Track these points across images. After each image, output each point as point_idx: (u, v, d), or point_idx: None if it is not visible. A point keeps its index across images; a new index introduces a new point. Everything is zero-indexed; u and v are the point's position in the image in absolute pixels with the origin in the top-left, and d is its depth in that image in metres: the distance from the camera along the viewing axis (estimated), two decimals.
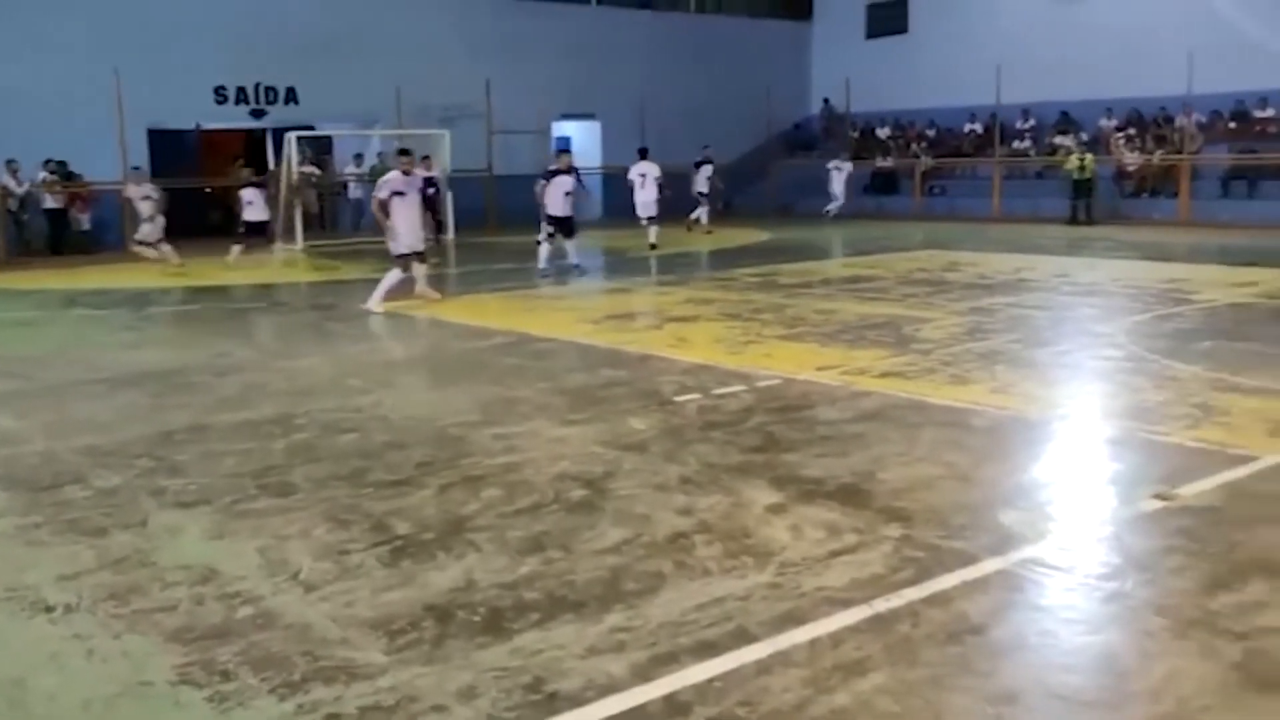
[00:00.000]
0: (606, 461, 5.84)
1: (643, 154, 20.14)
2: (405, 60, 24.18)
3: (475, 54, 25.37)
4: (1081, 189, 23.33)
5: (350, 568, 4.43)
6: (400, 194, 12.14)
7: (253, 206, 17.35)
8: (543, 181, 15.30)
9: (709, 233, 21.96)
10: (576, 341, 9.84)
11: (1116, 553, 4.53)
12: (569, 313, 12.20)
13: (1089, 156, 23.62)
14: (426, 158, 21.04)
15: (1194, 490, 5.17)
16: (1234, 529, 4.66)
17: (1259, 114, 23.91)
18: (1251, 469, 5.51)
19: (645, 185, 19.43)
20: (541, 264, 15.29)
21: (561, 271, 15.19)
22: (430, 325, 11.11)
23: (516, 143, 25.43)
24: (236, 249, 17.26)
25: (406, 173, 12.49)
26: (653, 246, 18.61)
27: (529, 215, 16.48)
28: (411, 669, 3.54)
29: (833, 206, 25.46)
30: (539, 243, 15.60)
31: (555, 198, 15.15)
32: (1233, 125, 24.17)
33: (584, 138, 29.26)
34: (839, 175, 25.68)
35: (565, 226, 15.35)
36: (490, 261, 17.37)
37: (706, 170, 22.93)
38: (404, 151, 13.17)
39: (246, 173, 18.56)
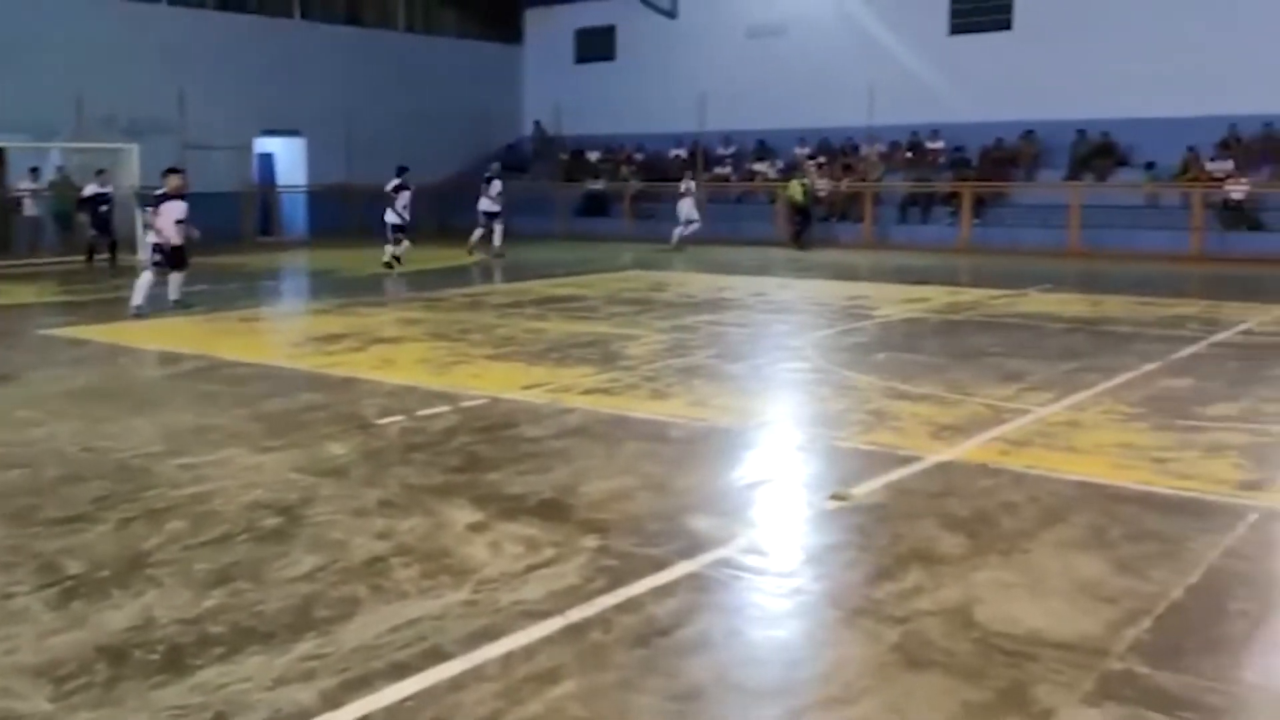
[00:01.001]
0: (302, 488, 5.68)
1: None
2: (88, 68, 22.61)
3: (167, 64, 24.11)
4: (804, 214, 24.08)
5: (13, 612, 4.10)
6: None
7: None
8: (150, 209, 13.55)
9: (501, 255, 20.94)
10: (276, 365, 9.51)
11: (796, 551, 4.84)
12: (268, 336, 11.78)
13: (808, 182, 24.48)
14: (102, 171, 19.80)
15: (866, 490, 5.58)
16: (898, 523, 5.07)
17: (931, 145, 26.07)
18: (915, 468, 6.00)
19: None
20: (137, 300, 12.86)
21: (175, 303, 13.25)
22: (114, 351, 10.42)
23: (214, 159, 24.32)
24: None
25: None
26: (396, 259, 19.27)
27: (226, 234, 15.85)
28: (79, 715, 3.32)
29: (683, 231, 23.35)
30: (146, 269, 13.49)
31: (167, 225, 13.16)
32: (909, 155, 26.24)
33: (288, 154, 28.37)
34: (689, 196, 23.73)
35: (177, 257, 13.32)
36: (183, 283, 16.46)
37: (496, 186, 21.57)
38: None
39: None
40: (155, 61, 24.14)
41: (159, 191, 13.35)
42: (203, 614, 4.07)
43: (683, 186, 24.13)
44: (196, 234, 13.36)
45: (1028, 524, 5.06)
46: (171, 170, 13.56)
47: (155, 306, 12.80)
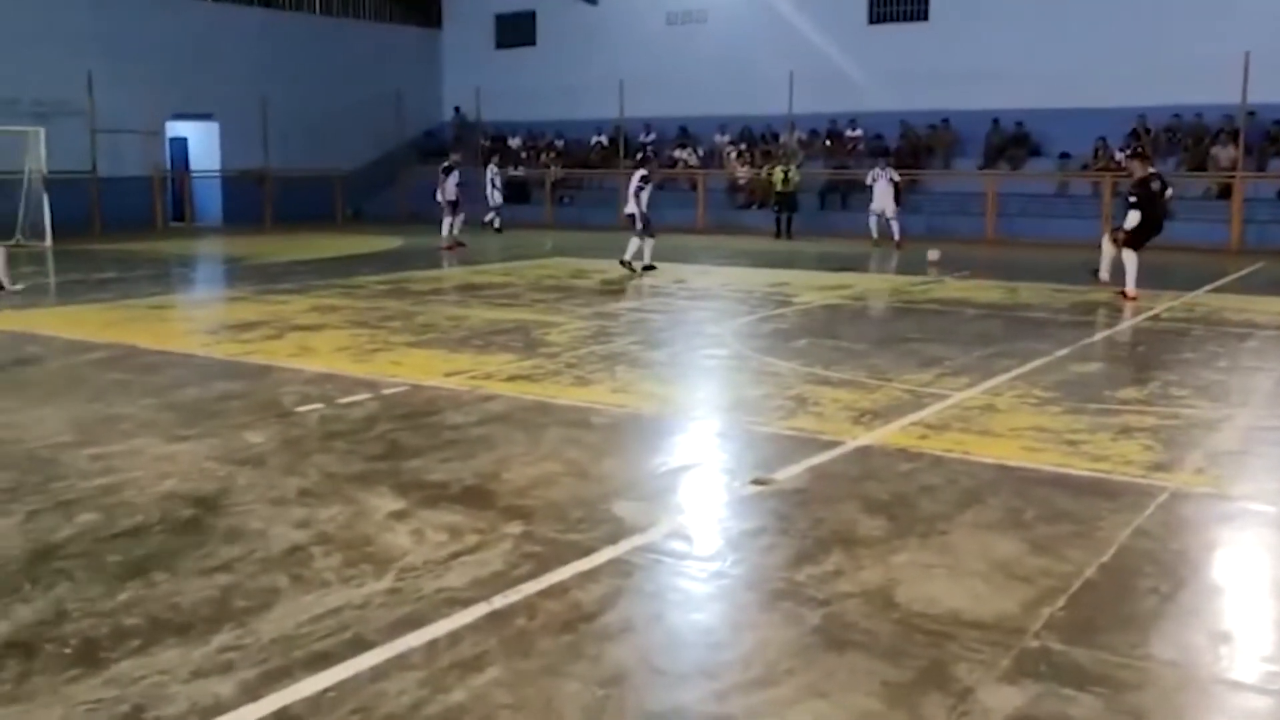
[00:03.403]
0: (219, 478, 5.57)
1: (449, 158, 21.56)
2: None
3: (74, 46, 23.45)
4: (785, 202, 23.23)
5: None
6: None
7: None
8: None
9: (458, 246, 20.07)
10: (190, 354, 9.30)
11: (718, 535, 4.87)
12: (183, 323, 11.53)
13: (793, 168, 23.51)
14: None
15: (787, 474, 5.63)
16: (819, 507, 5.13)
17: (849, 134, 26.37)
18: (836, 453, 6.07)
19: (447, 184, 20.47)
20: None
21: None
22: (20, 340, 10.11)
23: (125, 143, 23.74)
24: None
25: None
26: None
27: (138, 220, 15.55)
28: None
29: (882, 225, 21.04)
30: None
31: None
32: (828, 143, 26.51)
33: (201, 139, 27.78)
34: (885, 185, 21.02)
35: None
36: (93, 270, 16.05)
37: (456, 177, 20.55)
38: None
39: None
40: (60, 43, 23.49)
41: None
42: (117, 607, 3.97)
43: (870, 178, 21.52)
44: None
45: (946, 506, 5.15)
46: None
47: None
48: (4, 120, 20.96)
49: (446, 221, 20.39)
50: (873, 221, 21.29)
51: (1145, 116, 22.73)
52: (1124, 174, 21.93)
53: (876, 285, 14.64)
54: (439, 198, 20.43)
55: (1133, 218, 12.56)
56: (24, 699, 3.30)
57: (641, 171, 16.35)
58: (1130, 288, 12.48)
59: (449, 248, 19.86)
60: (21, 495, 5.27)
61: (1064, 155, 23.34)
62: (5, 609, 3.95)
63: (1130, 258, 12.58)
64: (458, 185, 20.44)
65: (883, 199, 21.03)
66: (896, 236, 20.73)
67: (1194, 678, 3.55)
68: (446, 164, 21.01)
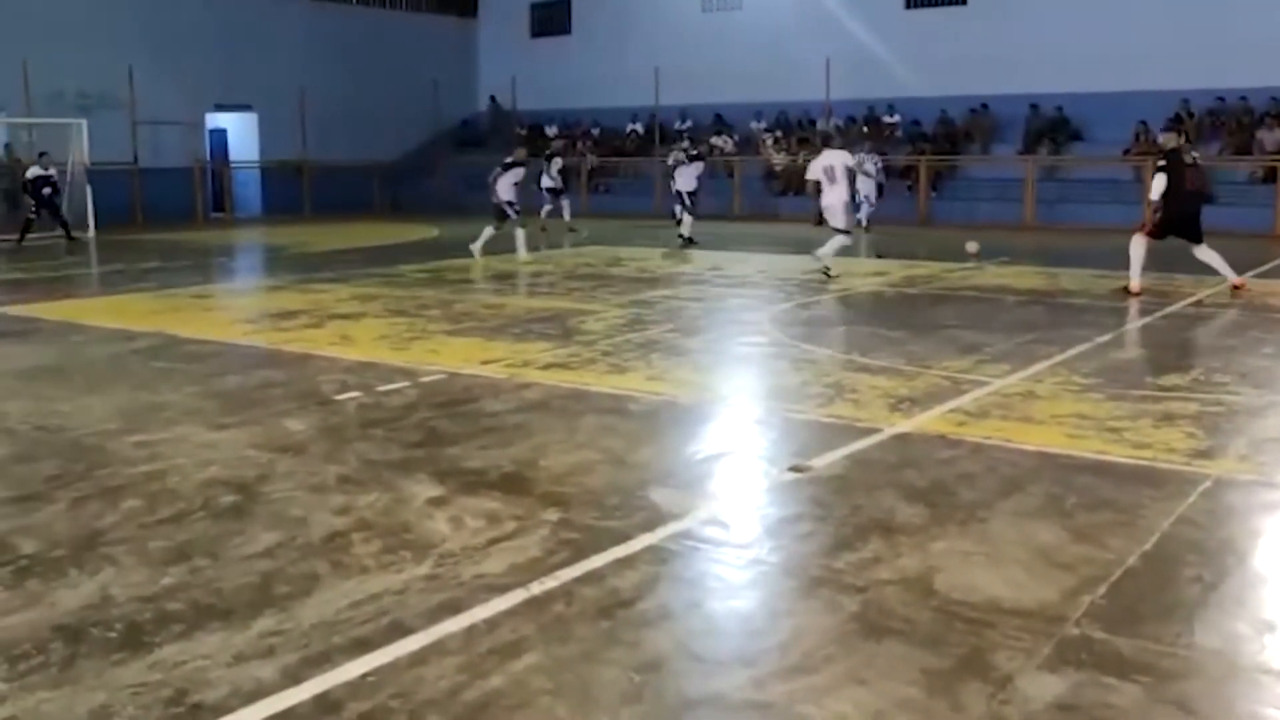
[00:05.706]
0: (260, 465, 5.62)
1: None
2: (33, 41, 22.22)
3: (115, 38, 23.72)
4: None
5: None
6: None
7: None
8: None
9: (574, 230, 20.85)
10: (231, 342, 9.40)
11: (755, 522, 4.86)
12: (223, 312, 11.64)
13: None
14: (44, 154, 19.44)
15: (824, 461, 5.61)
16: (857, 494, 5.11)
17: (887, 120, 26.18)
18: (874, 440, 6.04)
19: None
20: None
21: None
22: (65, 329, 10.25)
23: (165, 134, 23.99)
24: None
25: None
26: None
27: (178, 211, 15.72)
28: (35, 694, 3.28)
29: (862, 215, 19.51)
30: None
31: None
32: (865, 129, 26.31)
33: (240, 130, 28.01)
34: (870, 171, 19.71)
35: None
36: (135, 260, 16.24)
37: (558, 164, 21.78)
38: None
39: None
40: (102, 34, 23.75)
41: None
42: (160, 592, 4.02)
43: (856, 158, 20.32)
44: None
45: (986, 494, 5.11)
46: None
47: None
48: (49, 112, 21.26)
49: (565, 206, 21.70)
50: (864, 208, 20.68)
51: (1188, 100, 22.40)
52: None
53: (915, 272, 14.55)
54: (541, 184, 21.56)
55: (1158, 183, 11.39)
56: (70, 682, 3.35)
57: (694, 161, 19.30)
58: (1134, 281, 11.60)
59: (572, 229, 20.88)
60: (67, 482, 5.35)
61: (1077, 139, 23.27)
62: (52, 594, 4.01)
63: (1138, 246, 11.56)
64: (558, 172, 21.67)
65: (865, 182, 20.21)
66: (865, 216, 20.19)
67: (1239, 667, 3.50)
68: (549, 151, 22.38)
